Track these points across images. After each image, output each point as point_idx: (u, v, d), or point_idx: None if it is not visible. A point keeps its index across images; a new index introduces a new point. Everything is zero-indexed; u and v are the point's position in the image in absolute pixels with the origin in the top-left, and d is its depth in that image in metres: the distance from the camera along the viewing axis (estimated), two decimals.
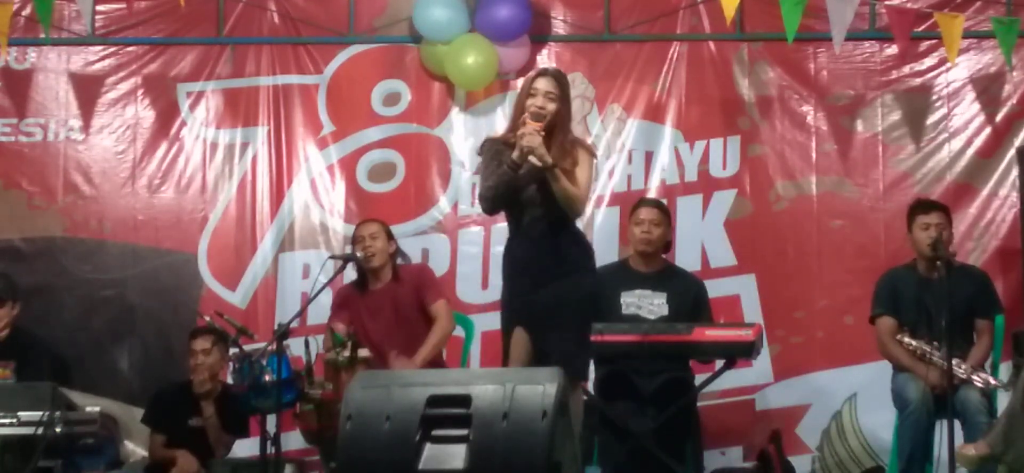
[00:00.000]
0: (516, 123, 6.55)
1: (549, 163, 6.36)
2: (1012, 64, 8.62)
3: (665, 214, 8.01)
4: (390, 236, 7.94)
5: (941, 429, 7.23)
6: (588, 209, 8.86)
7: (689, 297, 7.85)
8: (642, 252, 7.89)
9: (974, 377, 7.44)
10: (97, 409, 7.56)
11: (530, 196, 6.49)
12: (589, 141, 8.91)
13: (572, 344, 6.46)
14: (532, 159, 6.34)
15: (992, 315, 7.79)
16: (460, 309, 8.46)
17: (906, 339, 7.64)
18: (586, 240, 6.73)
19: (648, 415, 7.60)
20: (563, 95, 6.54)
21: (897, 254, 8.49)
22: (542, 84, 6.51)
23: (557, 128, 6.49)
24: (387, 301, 7.81)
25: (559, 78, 6.59)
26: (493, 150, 6.57)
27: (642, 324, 7.65)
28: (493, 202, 6.56)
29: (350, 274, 8.04)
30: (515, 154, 6.40)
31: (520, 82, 8.88)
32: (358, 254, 7.82)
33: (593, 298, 6.67)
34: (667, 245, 8.03)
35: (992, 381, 7.52)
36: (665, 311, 7.78)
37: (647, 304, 7.79)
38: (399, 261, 7.94)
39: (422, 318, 7.79)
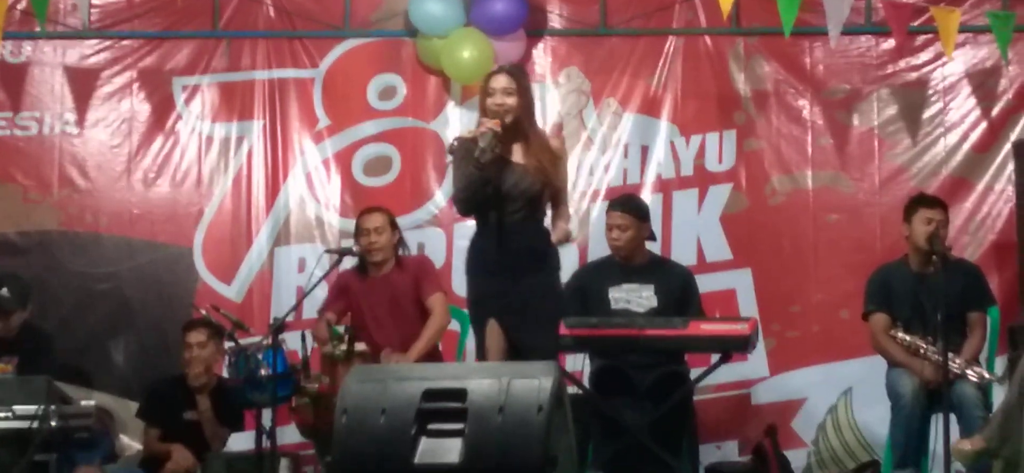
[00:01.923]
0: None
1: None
2: (1008, 58, 8.62)
3: (635, 214, 7.84)
4: (394, 226, 7.93)
5: (937, 424, 7.24)
6: (584, 204, 8.93)
7: (677, 288, 7.82)
8: (627, 255, 7.86)
9: (969, 372, 7.45)
10: (92, 403, 7.57)
11: (496, 192, 6.55)
12: (583, 136, 8.99)
13: (546, 338, 6.59)
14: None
15: (985, 308, 7.79)
16: (456, 303, 8.43)
17: (900, 335, 7.65)
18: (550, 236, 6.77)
19: (643, 409, 7.59)
20: (520, 89, 6.62)
21: (893, 248, 8.48)
22: (497, 82, 6.61)
23: (523, 122, 6.62)
24: (386, 290, 7.82)
25: (514, 73, 6.71)
26: (463, 150, 6.61)
27: (636, 318, 7.64)
28: (466, 204, 6.64)
29: (346, 268, 8.05)
30: (476, 152, 6.47)
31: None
32: (359, 245, 7.81)
33: (560, 293, 6.82)
34: (647, 238, 7.97)
35: (987, 375, 7.53)
36: (654, 303, 7.75)
37: (636, 297, 7.78)
38: (401, 251, 7.94)
39: (419, 309, 7.80)
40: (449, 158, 6.93)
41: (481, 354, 6.68)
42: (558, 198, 6.75)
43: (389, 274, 7.86)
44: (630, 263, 7.83)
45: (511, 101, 6.56)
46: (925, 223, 7.70)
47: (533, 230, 6.65)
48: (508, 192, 6.56)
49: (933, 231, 7.62)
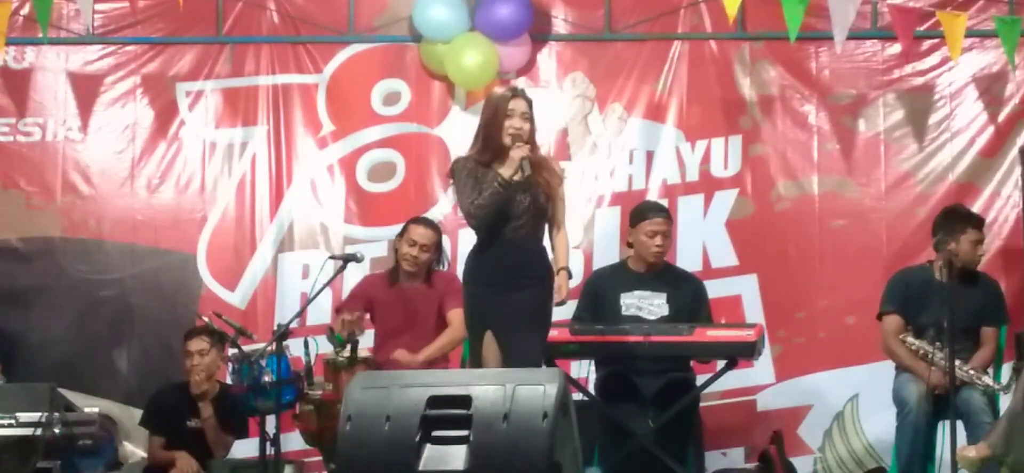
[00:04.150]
0: (489, 141, 6.77)
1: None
2: (1015, 63, 8.56)
3: (671, 218, 7.98)
4: (439, 246, 7.95)
5: (943, 430, 7.21)
6: (588, 210, 8.90)
7: (689, 297, 7.82)
8: (652, 263, 7.83)
9: (976, 380, 7.42)
10: (96, 410, 7.57)
11: (518, 209, 6.71)
12: (588, 141, 9.00)
13: (539, 348, 6.72)
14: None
15: (998, 324, 7.78)
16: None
17: (909, 339, 7.61)
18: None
19: (649, 416, 7.59)
20: (532, 113, 6.83)
21: (899, 254, 8.54)
22: (519, 105, 6.78)
23: (531, 145, 6.82)
24: (409, 305, 7.84)
25: (528, 98, 6.88)
26: (467, 169, 6.78)
27: (643, 325, 7.62)
28: (484, 219, 6.73)
29: (351, 274, 8.04)
30: (506, 173, 6.65)
31: (521, 81, 8.90)
32: (399, 248, 7.86)
33: (550, 306, 6.88)
34: None
35: (993, 384, 7.50)
36: (665, 311, 7.74)
37: (647, 305, 7.76)
38: (436, 266, 7.94)
39: (438, 325, 7.83)
40: (451, 180, 6.97)
41: (475, 363, 6.75)
42: (558, 220, 6.91)
43: (416, 289, 7.87)
44: (646, 268, 7.80)
45: (528, 126, 6.76)
46: (974, 245, 7.69)
47: (534, 247, 6.80)
48: (514, 209, 6.71)
49: (981, 255, 7.68)
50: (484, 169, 6.72)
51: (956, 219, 7.80)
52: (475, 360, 6.79)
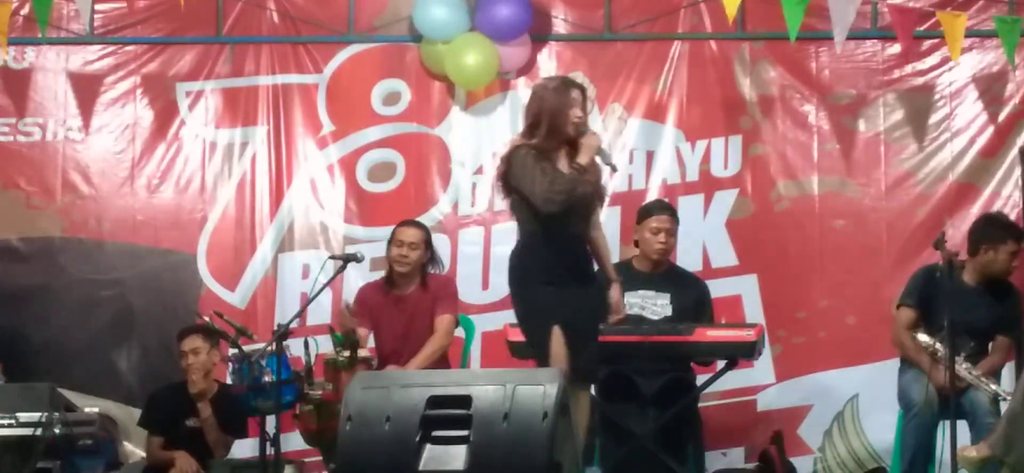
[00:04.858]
0: (555, 132, 6.64)
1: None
2: (1015, 63, 8.56)
3: (676, 217, 7.97)
4: (429, 245, 7.90)
5: (944, 430, 7.21)
6: None
7: (693, 298, 7.83)
8: (657, 261, 7.83)
9: (981, 383, 7.40)
10: (96, 410, 7.59)
11: (581, 203, 6.67)
12: None
13: (597, 348, 6.76)
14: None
15: (1013, 334, 7.77)
16: (461, 310, 8.42)
17: (919, 335, 7.58)
18: None
19: (649, 416, 7.60)
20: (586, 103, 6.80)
21: (900, 254, 8.53)
22: (578, 95, 6.72)
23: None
24: (405, 309, 7.81)
25: (582, 86, 6.82)
26: (533, 156, 6.61)
27: (644, 325, 7.62)
28: (563, 204, 6.59)
29: (351, 274, 8.04)
30: (582, 159, 6.62)
31: (520, 81, 8.91)
32: (390, 254, 7.83)
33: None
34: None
35: (1001, 392, 7.46)
36: (669, 312, 7.75)
37: (651, 305, 7.76)
38: (431, 269, 7.90)
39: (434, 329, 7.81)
40: (505, 168, 6.75)
41: (544, 361, 6.53)
42: (598, 219, 6.97)
43: (412, 293, 7.85)
44: (650, 268, 7.80)
45: (585, 115, 6.75)
46: (1011, 256, 7.65)
47: (586, 242, 6.80)
48: (580, 202, 6.67)
49: (1015, 267, 7.64)
50: (545, 157, 6.61)
51: (997, 228, 7.77)
52: (544, 359, 6.53)
